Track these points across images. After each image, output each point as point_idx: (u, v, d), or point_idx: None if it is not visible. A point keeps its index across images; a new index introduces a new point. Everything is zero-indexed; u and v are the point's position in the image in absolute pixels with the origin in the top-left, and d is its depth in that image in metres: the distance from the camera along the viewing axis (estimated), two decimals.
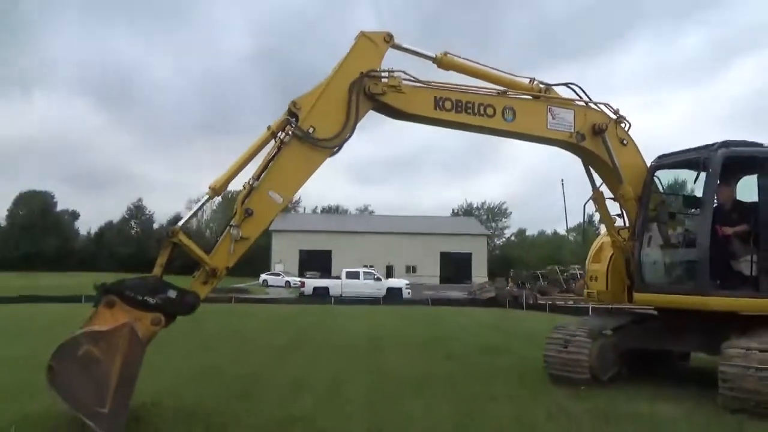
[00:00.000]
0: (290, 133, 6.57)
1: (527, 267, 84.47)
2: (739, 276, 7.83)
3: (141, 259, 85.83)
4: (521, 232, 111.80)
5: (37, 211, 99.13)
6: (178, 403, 6.99)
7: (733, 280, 7.82)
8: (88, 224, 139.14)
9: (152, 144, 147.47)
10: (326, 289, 39.57)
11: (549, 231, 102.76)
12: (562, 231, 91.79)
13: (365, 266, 51.08)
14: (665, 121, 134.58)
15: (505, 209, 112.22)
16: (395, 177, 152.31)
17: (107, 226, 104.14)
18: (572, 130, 8.41)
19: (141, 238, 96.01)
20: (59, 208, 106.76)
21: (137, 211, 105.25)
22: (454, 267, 75.14)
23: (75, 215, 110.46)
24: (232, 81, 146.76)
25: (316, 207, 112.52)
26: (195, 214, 6.94)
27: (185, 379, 8.70)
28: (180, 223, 6.07)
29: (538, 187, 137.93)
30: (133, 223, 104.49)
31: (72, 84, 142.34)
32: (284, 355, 11.51)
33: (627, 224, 8.95)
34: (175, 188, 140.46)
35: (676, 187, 9.81)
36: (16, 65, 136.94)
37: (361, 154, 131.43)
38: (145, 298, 5.65)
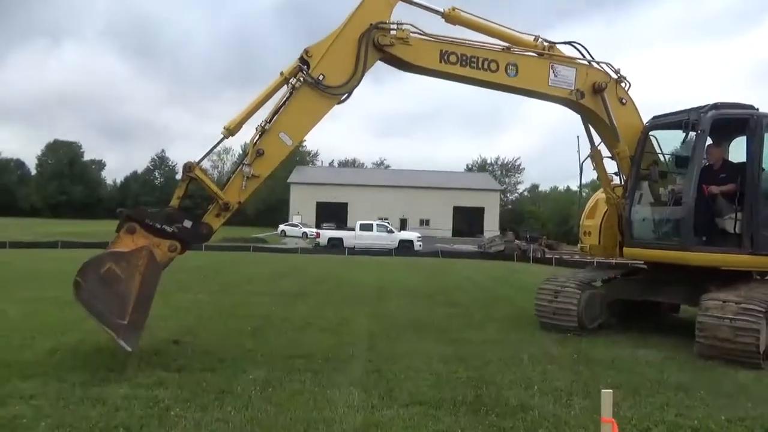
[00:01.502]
0: (302, 79, 7.01)
1: (539, 222, 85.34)
2: (722, 233, 8.23)
3: (163, 202, 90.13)
4: (534, 188, 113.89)
5: (65, 161, 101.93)
6: (196, 340, 7.77)
7: (716, 236, 8.23)
8: (114, 174, 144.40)
9: (178, 95, 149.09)
10: (340, 240, 41.05)
11: (562, 187, 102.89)
12: (575, 187, 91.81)
13: (379, 219, 52.86)
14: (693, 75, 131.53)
15: (519, 165, 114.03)
16: (412, 132, 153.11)
17: (132, 176, 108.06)
18: (573, 88, 8.71)
19: (165, 187, 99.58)
20: (86, 157, 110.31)
21: (161, 161, 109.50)
22: (467, 221, 76.73)
23: (101, 165, 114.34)
24: (258, 33, 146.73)
25: (333, 160, 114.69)
26: (211, 151, 7.46)
27: (204, 319, 9.49)
28: (197, 160, 6.64)
29: (553, 143, 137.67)
30: (157, 174, 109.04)
31: (100, 35, 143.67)
32: (295, 300, 12.31)
33: (621, 182, 9.32)
34: (198, 138, 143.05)
35: (673, 147, 10.10)
36: (44, 16, 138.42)
37: (379, 109, 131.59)
38: (163, 226, 6.28)
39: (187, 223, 6.44)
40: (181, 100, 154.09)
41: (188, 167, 6.43)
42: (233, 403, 5.17)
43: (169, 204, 6.59)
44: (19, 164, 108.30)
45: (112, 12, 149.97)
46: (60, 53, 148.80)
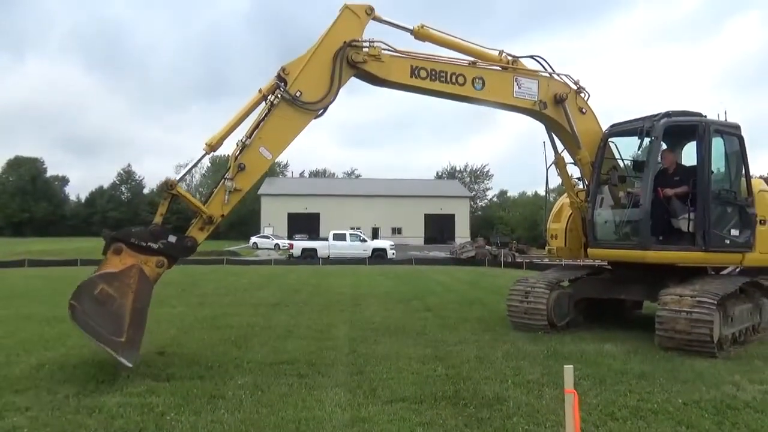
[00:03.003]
0: (279, 96, 7.33)
1: (507, 227, 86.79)
2: (678, 232, 8.82)
3: (132, 223, 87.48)
4: (503, 194, 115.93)
5: (27, 178, 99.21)
6: (182, 350, 7.97)
7: (672, 235, 8.81)
8: (78, 189, 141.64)
9: (144, 107, 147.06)
10: (314, 250, 41.20)
11: (530, 192, 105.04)
12: (543, 192, 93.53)
13: (352, 228, 53.39)
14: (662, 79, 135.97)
15: (487, 171, 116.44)
16: (381, 141, 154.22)
17: (98, 191, 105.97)
18: (536, 99, 9.21)
19: (131, 202, 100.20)
20: (50, 173, 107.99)
21: (127, 176, 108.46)
22: (438, 228, 78.38)
23: (65, 181, 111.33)
24: (228, 41, 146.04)
25: (304, 171, 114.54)
26: (191, 169, 7.70)
27: (186, 330, 9.66)
28: (178, 177, 6.91)
29: (520, 150, 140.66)
30: (123, 188, 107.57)
31: (63, 46, 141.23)
32: (274, 309, 12.56)
33: (584, 186, 9.86)
34: (167, 150, 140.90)
35: (630, 153, 10.72)
36: (8, 28, 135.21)
37: (348, 119, 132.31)
38: (149, 243, 6.50)
39: (172, 238, 6.68)
40: (147, 113, 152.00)
41: (169, 185, 6.64)
42: (225, 406, 5.42)
43: (152, 222, 6.77)
44: None
45: (76, 22, 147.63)
46: (21, 66, 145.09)
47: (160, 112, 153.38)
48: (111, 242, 6.43)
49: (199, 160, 7.30)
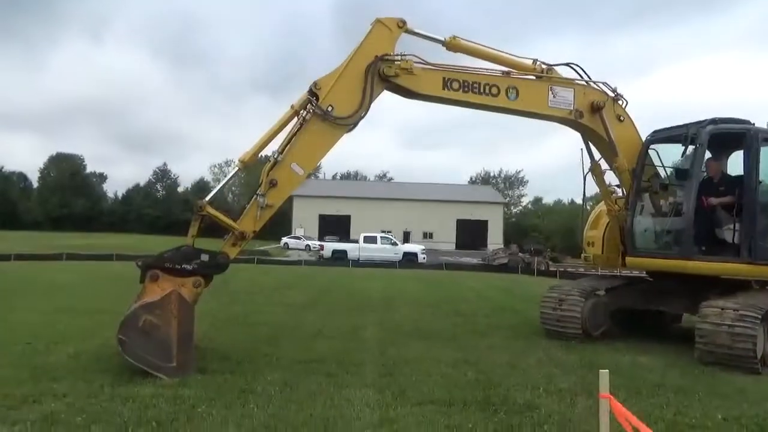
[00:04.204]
0: (311, 111, 7.34)
1: (542, 235, 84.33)
2: (722, 243, 8.52)
3: (166, 220, 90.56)
4: (537, 201, 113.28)
5: (67, 174, 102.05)
6: (213, 345, 8.07)
7: (716, 246, 8.52)
8: (114, 187, 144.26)
9: (204, 102, 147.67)
10: (344, 252, 41.29)
11: (566, 200, 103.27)
12: (579, 200, 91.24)
13: (383, 231, 52.83)
14: None
15: (522, 177, 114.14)
16: (416, 145, 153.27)
17: (134, 189, 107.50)
18: (572, 108, 9.01)
19: (166, 200, 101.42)
20: (90, 169, 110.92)
21: (162, 174, 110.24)
22: (470, 234, 77.04)
23: (103, 177, 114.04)
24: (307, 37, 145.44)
25: (336, 173, 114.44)
26: (223, 185, 7.83)
27: (218, 325, 9.80)
28: (207, 198, 6.93)
29: (557, 157, 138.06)
30: (159, 186, 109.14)
31: (121, 37, 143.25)
32: (304, 309, 12.66)
33: (623, 194, 9.62)
34: (216, 150, 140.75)
35: (673, 160, 10.43)
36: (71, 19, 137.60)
37: (385, 122, 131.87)
38: (183, 266, 6.60)
39: (204, 257, 6.74)
40: (207, 108, 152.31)
41: (199, 207, 6.70)
42: (255, 401, 5.45)
43: (185, 244, 6.83)
44: (22, 177, 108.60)
45: (141, 12, 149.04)
46: (92, 54, 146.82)
47: (221, 106, 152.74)
48: (146, 270, 6.55)
49: (231, 177, 7.40)
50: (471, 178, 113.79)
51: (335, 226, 69.44)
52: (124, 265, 24.98)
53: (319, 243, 48.97)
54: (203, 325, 9.55)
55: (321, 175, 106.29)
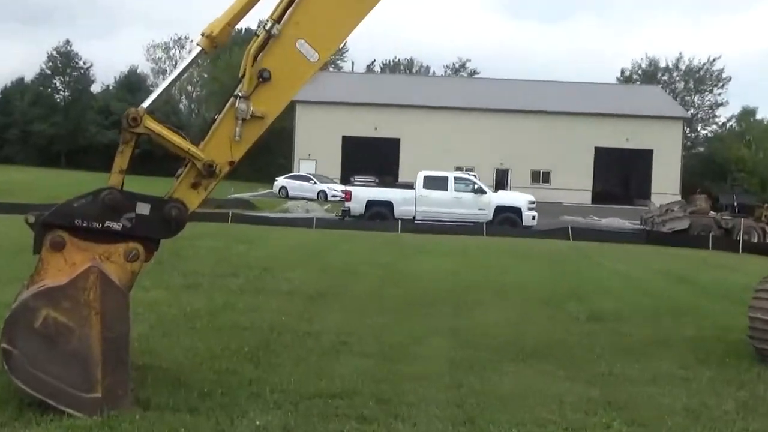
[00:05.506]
0: None
1: (755, 178, 54.48)
2: None
3: (73, 144, 57.90)
4: (747, 114, 65.75)
5: None
6: (161, 363, 5.29)
7: None
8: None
9: None
10: (388, 205, 25.49)
11: None
12: None
13: (458, 169, 36.07)
14: None
15: (719, 72, 65.94)
16: (524, 12, 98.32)
17: (16, 87, 66.34)
18: None
19: (72, 108, 63.73)
20: None
21: (64, 61, 66.00)
22: (620, 175, 49.73)
23: None
24: None
25: (374, 61, 72.33)
26: (171, 85, 5.04)
27: (167, 328, 6.64)
28: (146, 104, 4.27)
29: None
30: (57, 83, 67.21)
31: None
32: (314, 304, 8.71)
33: None
34: (128, 25, 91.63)
35: None
36: None
37: None
38: (107, 223, 4.14)
39: (143, 208, 4.22)
40: None
41: (132, 118, 4.14)
42: None
43: (107, 186, 4.18)
44: None
45: None
46: None
47: None
48: (43, 231, 4.14)
49: (190, 64, 4.69)
50: (623, 73, 69.37)
51: (371, 159, 44.01)
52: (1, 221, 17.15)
53: (342, 188, 31.23)
54: (142, 327, 6.34)
55: (347, 65, 67.36)
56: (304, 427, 3.95)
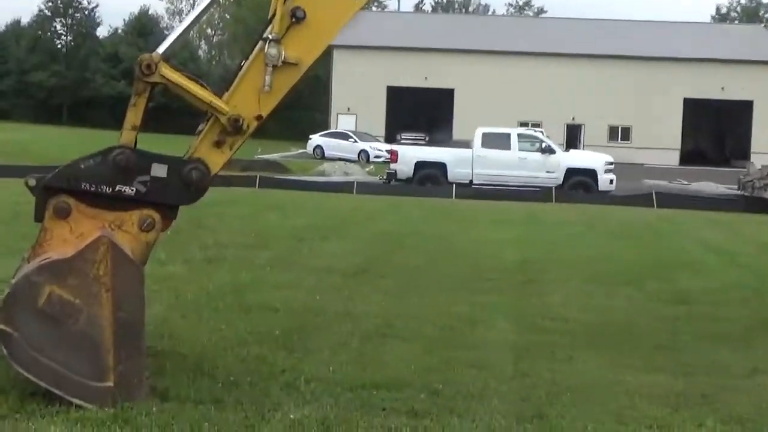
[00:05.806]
0: None
1: None
2: None
3: (76, 96, 52.67)
4: None
5: None
6: (181, 348, 4.97)
7: None
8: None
9: None
10: (441, 167, 23.19)
11: None
12: None
13: (523, 125, 33.30)
14: None
15: None
16: None
17: (10, 30, 61.34)
18: None
19: (75, 54, 59.02)
20: None
21: (66, 0, 60.40)
22: (712, 132, 45.64)
23: None
24: None
25: (423, 0, 65.36)
26: (194, 24, 4.50)
27: (187, 308, 6.23)
28: (161, 47, 3.82)
29: None
30: (58, 26, 61.39)
31: None
32: (355, 280, 8.16)
33: None
34: None
35: None
36: None
37: None
38: (118, 187, 3.75)
39: (160, 170, 3.81)
40: None
41: (147, 65, 3.69)
42: None
43: (118, 145, 3.76)
44: None
45: None
46: None
47: None
48: (46, 196, 3.76)
49: (212, 2, 4.23)
50: (718, 11, 62.91)
51: (421, 113, 40.52)
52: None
53: (387, 147, 29.03)
54: (156, 309, 5.86)
55: (392, 3, 63.13)
56: (346, 422, 3.53)
